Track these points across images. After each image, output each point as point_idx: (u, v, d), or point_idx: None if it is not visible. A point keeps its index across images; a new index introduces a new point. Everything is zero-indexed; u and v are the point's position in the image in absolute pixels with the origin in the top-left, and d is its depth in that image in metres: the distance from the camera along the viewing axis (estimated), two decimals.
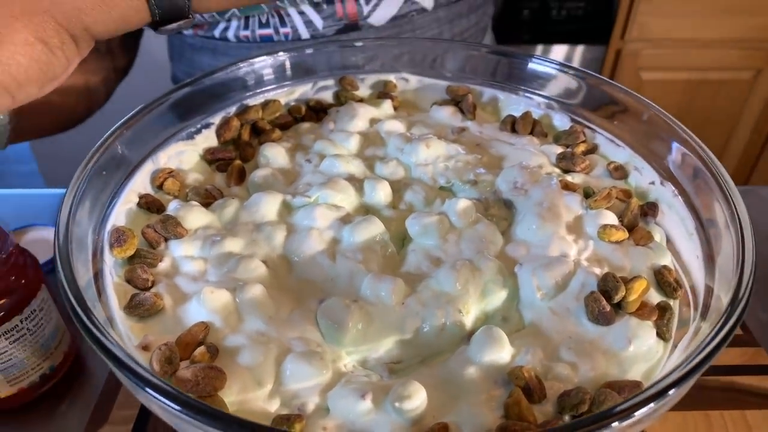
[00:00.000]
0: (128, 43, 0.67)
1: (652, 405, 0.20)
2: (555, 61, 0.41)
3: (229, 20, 0.58)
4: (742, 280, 0.24)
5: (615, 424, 0.19)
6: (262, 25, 0.58)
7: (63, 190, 0.69)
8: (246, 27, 0.59)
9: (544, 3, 1.44)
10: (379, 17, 0.58)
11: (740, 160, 1.70)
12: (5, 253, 0.39)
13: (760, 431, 0.38)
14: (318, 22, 0.57)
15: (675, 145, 0.34)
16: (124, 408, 0.39)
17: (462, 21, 0.64)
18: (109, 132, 0.33)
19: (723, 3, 1.43)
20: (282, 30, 0.58)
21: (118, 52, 0.66)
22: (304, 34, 0.58)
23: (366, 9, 0.57)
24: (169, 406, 0.20)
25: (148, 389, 0.20)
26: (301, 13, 0.57)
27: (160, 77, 0.89)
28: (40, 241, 0.56)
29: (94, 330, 0.22)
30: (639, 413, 0.20)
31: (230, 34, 0.60)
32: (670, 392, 0.20)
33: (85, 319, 0.22)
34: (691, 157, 0.33)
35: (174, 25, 0.32)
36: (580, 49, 1.53)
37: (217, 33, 0.60)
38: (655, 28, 1.47)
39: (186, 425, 0.21)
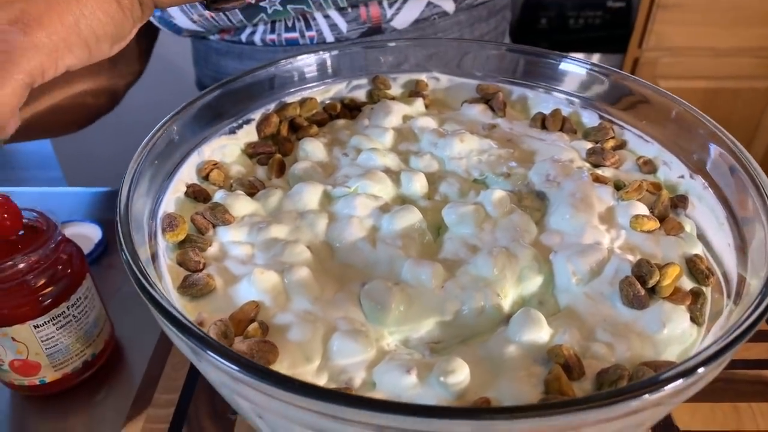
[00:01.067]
0: (147, 50, 0.69)
1: (681, 381, 0.21)
2: (583, 60, 0.42)
3: (255, 25, 0.60)
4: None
5: (646, 396, 0.20)
6: (288, 29, 0.60)
7: (93, 189, 0.70)
8: (272, 31, 0.60)
9: (561, 12, 1.45)
10: (401, 20, 0.60)
11: (761, 167, 1.70)
12: (54, 243, 0.41)
13: None
14: (342, 25, 0.59)
15: (704, 139, 0.35)
16: (166, 392, 0.41)
17: (482, 25, 0.65)
18: (159, 125, 0.35)
19: (738, 13, 1.43)
20: (308, 33, 0.60)
21: (138, 57, 0.69)
22: (329, 37, 0.60)
23: (389, 12, 0.59)
24: (230, 367, 0.21)
25: (209, 352, 0.21)
26: (327, 17, 0.59)
27: (181, 81, 0.91)
28: (77, 236, 0.58)
29: (161, 300, 0.23)
30: (669, 387, 0.20)
31: (257, 38, 0.61)
32: (700, 370, 0.21)
33: (151, 289, 0.24)
34: (721, 150, 0.34)
35: (228, 5, 0.34)
36: (597, 57, 1.54)
37: (243, 37, 0.62)
38: (672, 37, 1.47)
39: (243, 388, 0.22)
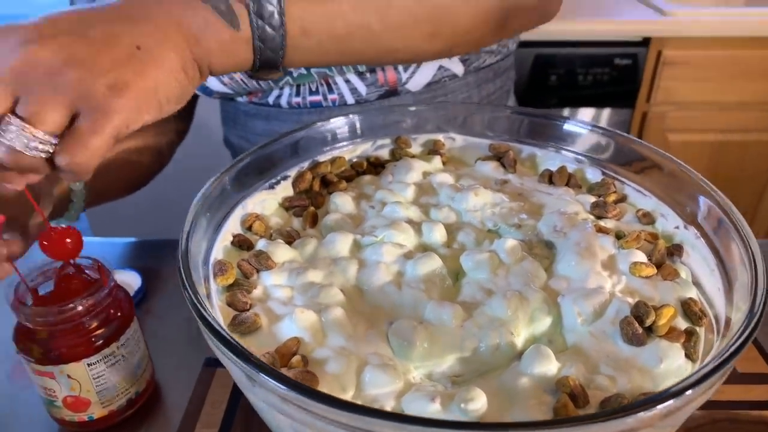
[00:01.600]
0: (189, 110, 0.75)
1: (671, 402, 0.24)
2: (586, 122, 0.47)
3: (282, 88, 0.66)
4: (755, 305, 0.29)
5: (641, 414, 0.23)
6: (312, 93, 0.66)
7: (130, 239, 0.75)
8: (297, 94, 0.66)
9: (570, 69, 1.51)
10: (415, 83, 0.65)
11: None
12: (108, 289, 0.46)
13: None
14: (362, 88, 0.65)
15: (695, 193, 0.39)
16: (205, 427, 0.44)
17: (488, 85, 0.71)
18: (211, 180, 0.40)
19: (742, 69, 1.49)
20: (330, 96, 0.65)
21: (182, 116, 0.75)
22: (350, 99, 0.65)
23: (404, 76, 0.64)
24: (281, 388, 0.25)
25: (264, 375, 0.25)
26: (347, 81, 0.64)
27: (206, 138, 0.98)
28: (122, 284, 0.63)
29: (223, 332, 0.27)
30: (661, 407, 0.24)
31: (283, 101, 0.67)
32: (687, 392, 0.24)
33: (213, 322, 0.28)
34: (710, 203, 0.38)
35: (268, 76, 0.41)
36: (606, 112, 1.59)
37: (270, 100, 0.67)
38: (679, 92, 1.53)
39: (290, 408, 0.26)
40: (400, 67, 0.64)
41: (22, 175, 0.34)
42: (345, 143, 0.50)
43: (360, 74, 0.64)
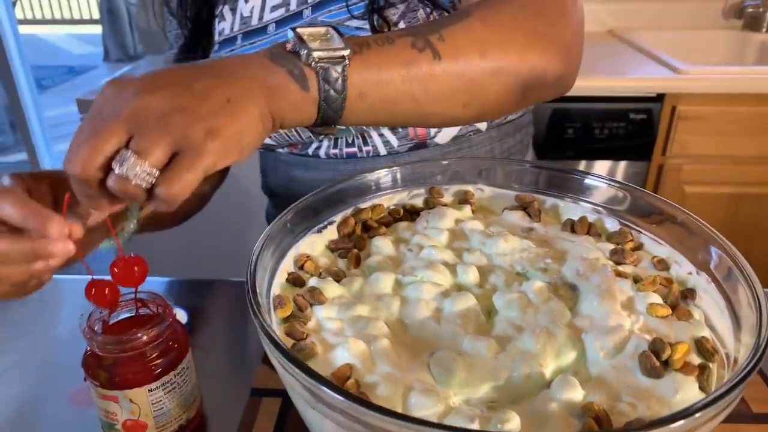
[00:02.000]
0: None
1: (681, 422, 0.28)
2: (605, 177, 0.52)
3: (321, 141, 0.72)
4: (760, 338, 0.33)
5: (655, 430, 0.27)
6: (348, 145, 0.72)
7: (174, 278, 0.80)
8: (335, 146, 0.72)
9: (586, 123, 1.57)
10: (443, 137, 0.71)
11: None
12: (169, 321, 0.50)
13: None
14: (394, 141, 0.71)
15: (705, 243, 0.43)
16: None
17: (509, 139, 0.77)
18: (269, 227, 0.45)
19: (755, 124, 1.53)
20: (365, 148, 0.71)
21: None
22: (382, 151, 0.71)
23: (433, 131, 0.70)
24: (343, 401, 0.29)
25: (329, 390, 0.30)
26: (381, 135, 0.71)
27: (233, 191, 1.04)
28: None
29: (295, 355, 0.32)
30: (675, 425, 0.28)
31: (321, 152, 0.73)
32: (697, 414, 0.28)
33: (286, 348, 0.32)
34: (719, 252, 0.42)
35: (324, 131, 0.47)
36: (623, 164, 1.63)
37: (310, 151, 0.74)
38: (694, 145, 1.57)
39: (349, 422, 0.30)
40: None
41: (110, 204, 0.40)
42: (384, 192, 0.55)
43: (393, 129, 0.70)
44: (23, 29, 2.79)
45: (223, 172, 0.82)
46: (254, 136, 0.41)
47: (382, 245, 0.49)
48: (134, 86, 0.39)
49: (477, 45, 0.49)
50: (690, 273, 0.45)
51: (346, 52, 0.44)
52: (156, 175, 0.38)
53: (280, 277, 0.45)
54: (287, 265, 0.46)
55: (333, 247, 0.50)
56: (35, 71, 2.93)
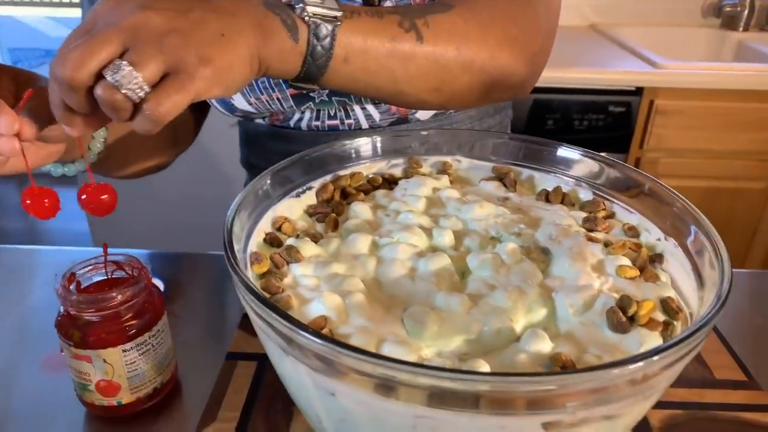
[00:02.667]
0: (198, 124, 0.81)
1: (640, 363, 0.29)
2: (579, 148, 0.53)
3: (303, 112, 0.72)
4: (721, 291, 0.34)
5: (616, 371, 0.28)
6: (330, 117, 0.72)
7: (154, 250, 0.79)
8: (317, 118, 0.72)
9: (566, 114, 1.59)
10: (424, 113, 0.72)
11: (763, 263, 1.76)
12: (144, 283, 0.50)
13: None
14: (376, 115, 0.71)
15: (673, 209, 0.45)
16: (229, 410, 0.48)
17: (489, 119, 0.78)
18: (248, 186, 0.45)
19: (731, 119, 1.57)
20: (347, 121, 0.72)
21: (192, 132, 0.80)
22: (364, 124, 0.72)
23: None
24: (318, 342, 0.30)
25: (307, 333, 0.30)
26: (363, 108, 0.71)
27: (215, 167, 1.04)
28: None
29: (265, 296, 0.32)
30: (633, 366, 0.29)
31: (303, 124, 0.73)
32: (655, 357, 0.29)
33: (254, 287, 0.33)
34: (685, 217, 0.43)
35: (304, 86, 0.48)
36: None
37: (291, 123, 0.73)
38: (670, 139, 1.60)
39: (325, 366, 0.30)
40: None
41: (85, 123, 0.40)
42: (363, 161, 0.56)
43: (375, 102, 0.70)
44: (0, 11, 2.73)
45: (191, 138, 0.81)
46: (241, 74, 0.42)
47: (360, 210, 0.50)
48: (135, 2, 0.39)
49: (456, 37, 0.52)
50: (659, 239, 0.46)
51: (339, 14, 0.46)
52: (147, 90, 0.37)
53: (257, 237, 0.45)
54: (264, 226, 0.46)
55: (311, 212, 0.50)
56: (12, 54, 2.87)
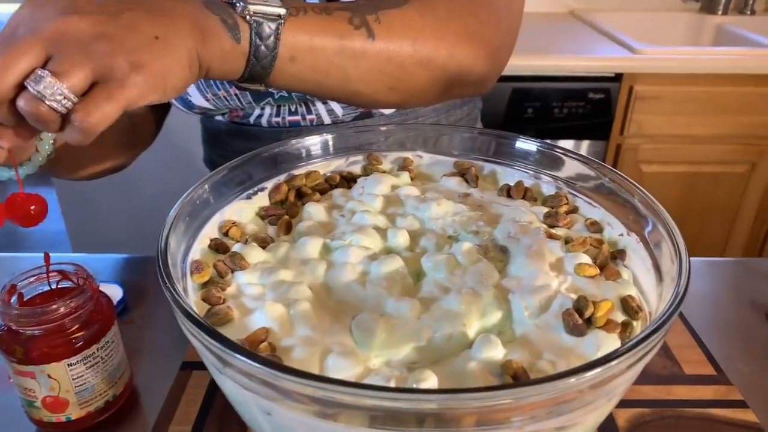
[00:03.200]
0: (159, 123, 0.78)
1: (597, 370, 0.27)
2: (540, 141, 0.51)
3: (263, 108, 0.70)
4: (679, 285, 0.32)
5: (572, 380, 0.26)
6: (291, 113, 0.70)
7: (115, 255, 0.77)
8: (277, 114, 0.70)
9: (546, 102, 1.57)
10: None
11: (745, 248, 1.77)
12: (89, 292, 0.48)
13: None
14: (338, 110, 0.69)
15: (634, 203, 0.43)
16: (179, 424, 0.46)
17: (456, 111, 0.76)
18: (189, 190, 0.43)
19: (710, 104, 1.56)
20: (308, 117, 0.69)
21: (152, 133, 0.77)
22: (327, 120, 0.69)
23: None
24: (250, 363, 0.27)
25: (237, 354, 0.28)
26: (325, 103, 0.69)
27: (191, 164, 1.01)
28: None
29: (197, 316, 0.30)
30: (589, 374, 0.27)
31: (263, 121, 0.71)
32: (613, 362, 0.28)
33: (185, 306, 0.31)
34: (646, 211, 0.41)
35: (250, 86, 0.46)
36: (584, 144, 1.65)
37: (251, 120, 0.71)
38: (651, 125, 1.59)
39: (258, 386, 0.29)
40: None
41: (16, 135, 0.37)
42: (320, 159, 0.54)
43: None
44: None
45: (150, 139, 0.78)
46: (180, 78, 0.39)
47: (314, 211, 0.48)
48: (57, 6, 0.36)
49: (411, 33, 0.50)
50: (621, 234, 0.44)
51: (282, 11, 0.44)
52: (74, 100, 0.35)
53: (202, 242, 0.43)
54: (210, 231, 0.44)
55: (263, 214, 0.48)
56: None
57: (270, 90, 0.65)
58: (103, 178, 0.73)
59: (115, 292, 0.67)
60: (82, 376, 0.47)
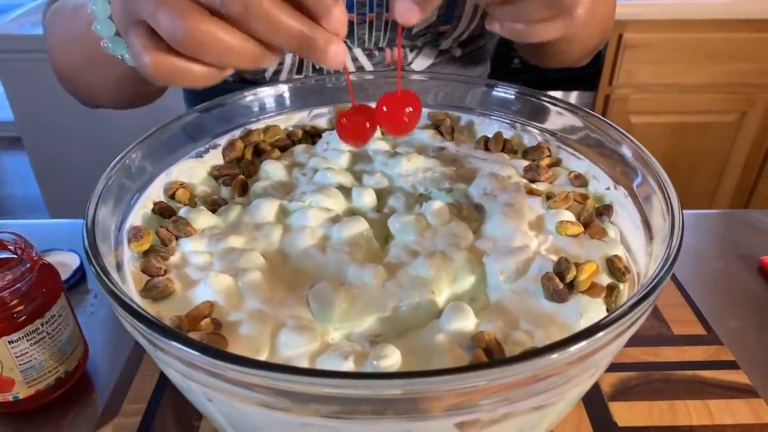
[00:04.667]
0: None
1: (583, 343, 0.24)
2: (519, 87, 0.46)
3: (281, 63, 0.63)
4: (671, 246, 0.29)
5: (554, 356, 0.23)
6: (315, 70, 0.63)
7: (74, 220, 0.72)
8: (299, 71, 0.63)
9: None
10: (420, 64, 0.65)
11: (733, 198, 1.75)
12: (29, 263, 0.44)
13: (721, 417, 0.41)
14: (368, 67, 0.63)
15: (622, 152, 0.39)
16: (134, 402, 0.43)
17: (472, 69, 0.71)
18: (129, 147, 0.38)
19: (701, 51, 1.51)
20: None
21: None
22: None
23: (410, 57, 0.64)
24: (182, 349, 0.24)
25: (169, 339, 0.24)
26: (354, 59, 0.62)
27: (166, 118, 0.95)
28: (57, 263, 0.61)
29: (121, 295, 0.26)
30: (573, 348, 0.23)
31: (282, 77, 0.64)
32: (599, 334, 0.24)
33: (110, 284, 0.27)
34: (635, 160, 0.37)
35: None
36: (572, 95, 1.60)
37: (267, 76, 0.64)
38: (640, 74, 1.54)
39: (195, 372, 0.25)
40: (407, 48, 0.63)
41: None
42: (281, 111, 0.49)
43: (368, 54, 0.62)
44: None
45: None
46: None
47: (272, 169, 0.43)
48: None
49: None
50: (608, 188, 0.40)
51: None
52: None
53: (143, 206, 0.38)
54: (154, 194, 0.40)
55: (216, 174, 0.44)
56: None
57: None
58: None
59: (72, 260, 0.63)
60: (27, 353, 0.44)
